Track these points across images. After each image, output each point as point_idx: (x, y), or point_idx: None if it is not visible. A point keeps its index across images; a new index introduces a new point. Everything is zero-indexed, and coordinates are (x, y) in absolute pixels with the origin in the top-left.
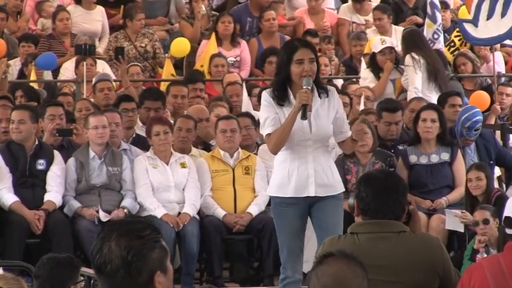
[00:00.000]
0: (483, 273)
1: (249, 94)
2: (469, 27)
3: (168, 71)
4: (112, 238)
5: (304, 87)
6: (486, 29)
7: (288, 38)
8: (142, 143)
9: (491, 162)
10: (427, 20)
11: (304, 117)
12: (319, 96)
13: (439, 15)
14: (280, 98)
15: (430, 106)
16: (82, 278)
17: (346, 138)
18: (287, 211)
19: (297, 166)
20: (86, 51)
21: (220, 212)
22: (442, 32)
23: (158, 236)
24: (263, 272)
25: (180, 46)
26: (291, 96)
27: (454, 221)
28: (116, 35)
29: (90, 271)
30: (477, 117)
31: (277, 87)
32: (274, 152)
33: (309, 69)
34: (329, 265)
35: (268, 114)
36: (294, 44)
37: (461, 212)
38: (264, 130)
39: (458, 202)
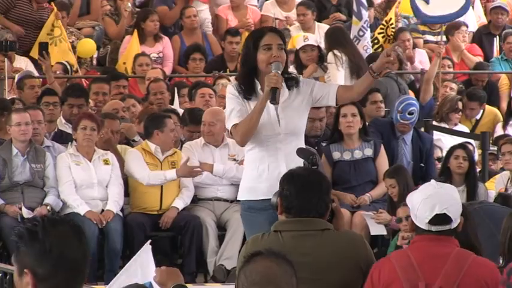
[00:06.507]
0: (392, 267)
1: (178, 93)
2: (420, 3)
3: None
4: None
5: (274, 71)
6: (437, 6)
7: (210, 34)
8: (64, 139)
9: (422, 165)
10: (353, 17)
11: (273, 101)
12: (288, 88)
13: (364, 13)
14: (247, 92)
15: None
16: None
17: (354, 84)
18: (257, 218)
19: (267, 164)
20: (6, 47)
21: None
22: (368, 29)
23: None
24: (186, 269)
25: (86, 47)
26: (259, 88)
27: (376, 225)
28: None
29: (10, 267)
30: (409, 101)
31: (243, 80)
32: (242, 143)
33: (277, 54)
34: (257, 263)
35: (234, 106)
36: (261, 29)
37: (373, 213)
38: (230, 121)
39: (382, 198)
